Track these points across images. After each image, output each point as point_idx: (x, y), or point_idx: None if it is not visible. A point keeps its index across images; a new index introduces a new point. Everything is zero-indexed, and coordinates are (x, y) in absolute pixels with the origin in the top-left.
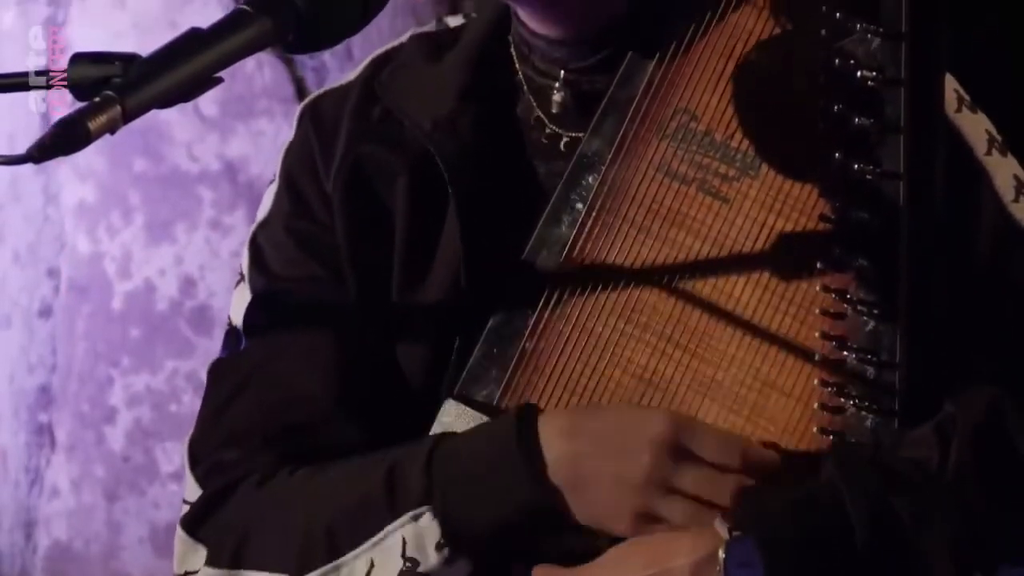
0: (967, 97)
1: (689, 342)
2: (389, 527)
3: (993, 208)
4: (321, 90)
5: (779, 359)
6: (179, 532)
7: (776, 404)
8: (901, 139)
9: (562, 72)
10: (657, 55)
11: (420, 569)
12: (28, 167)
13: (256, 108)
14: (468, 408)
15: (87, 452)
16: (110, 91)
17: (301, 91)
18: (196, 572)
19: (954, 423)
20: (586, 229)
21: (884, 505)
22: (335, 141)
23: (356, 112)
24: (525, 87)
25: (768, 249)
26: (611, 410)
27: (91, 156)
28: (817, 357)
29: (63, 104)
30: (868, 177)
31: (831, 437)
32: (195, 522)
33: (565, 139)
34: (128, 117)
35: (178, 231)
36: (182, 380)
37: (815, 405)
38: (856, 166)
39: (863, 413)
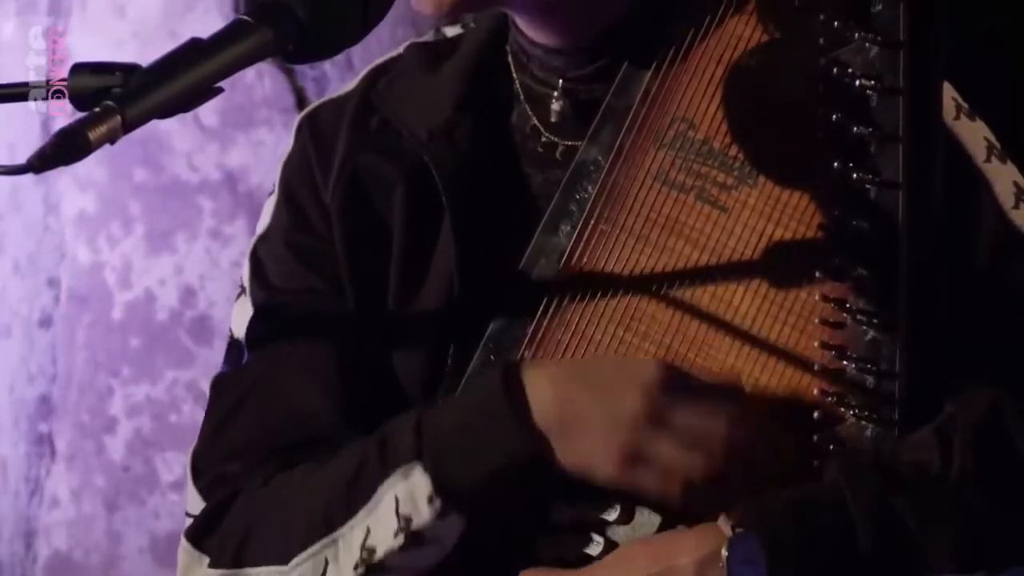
0: (965, 105)
1: (688, 351)
2: (381, 487)
3: (993, 215)
4: (319, 101)
5: (778, 368)
6: (183, 543)
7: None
8: (900, 148)
9: (560, 81)
10: (655, 63)
11: (414, 526)
12: (28, 177)
13: (256, 118)
14: None
15: (87, 462)
16: (110, 101)
17: (301, 101)
18: None
19: (954, 425)
20: (584, 238)
21: (886, 505)
22: (333, 152)
23: (354, 123)
24: (522, 96)
25: (767, 258)
26: (600, 358)
27: (91, 166)
28: (816, 366)
29: (63, 113)
30: (867, 186)
31: (831, 447)
32: (199, 534)
33: (561, 147)
34: (128, 127)
35: (178, 241)
36: (182, 390)
37: (814, 415)
38: (855, 175)
39: (863, 423)
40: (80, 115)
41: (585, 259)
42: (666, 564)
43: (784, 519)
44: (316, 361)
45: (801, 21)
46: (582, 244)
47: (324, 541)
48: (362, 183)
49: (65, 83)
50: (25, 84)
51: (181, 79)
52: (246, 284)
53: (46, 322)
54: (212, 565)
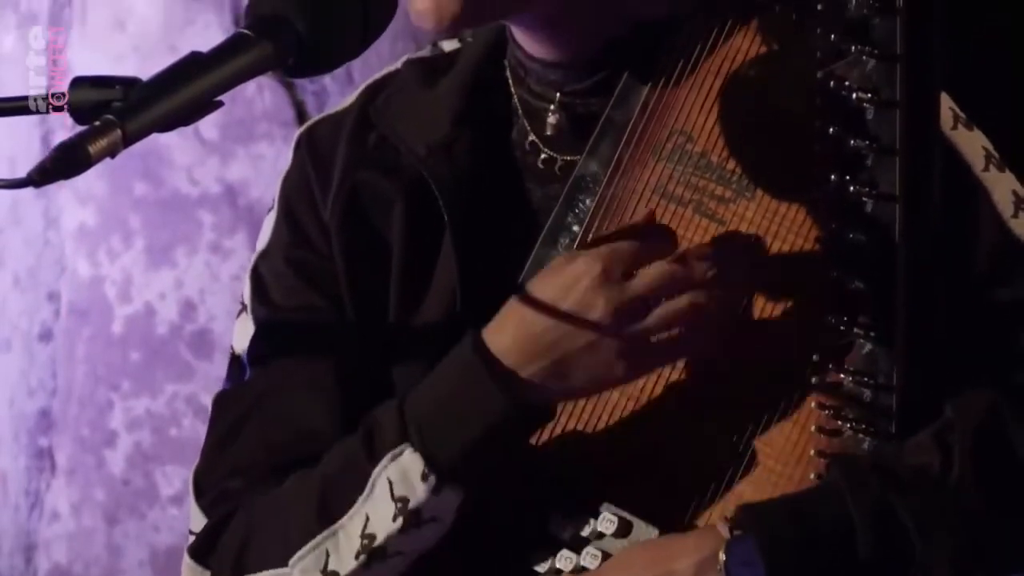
0: (963, 115)
1: (686, 363)
2: (373, 474)
3: (992, 224)
4: (316, 117)
5: (775, 380)
6: (187, 560)
7: (773, 426)
8: (897, 160)
9: (557, 95)
10: (653, 77)
11: (411, 505)
12: (28, 191)
13: (256, 132)
14: None
15: (87, 476)
16: (110, 115)
17: (301, 115)
18: None
19: (954, 429)
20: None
21: (886, 508)
22: (331, 169)
23: (352, 139)
24: (520, 110)
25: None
26: (536, 282)
27: (91, 180)
28: (814, 380)
29: (64, 127)
30: (864, 199)
31: (828, 460)
32: (202, 550)
33: (560, 162)
34: (128, 141)
35: (178, 255)
36: (182, 404)
37: (812, 428)
38: (852, 188)
39: (860, 436)
40: (80, 129)
41: None
42: (665, 567)
43: (783, 521)
44: (318, 378)
45: (799, 35)
46: None
47: (324, 534)
48: (361, 199)
49: (65, 97)
50: (25, 98)
51: (181, 93)
52: (247, 301)
53: (46, 336)
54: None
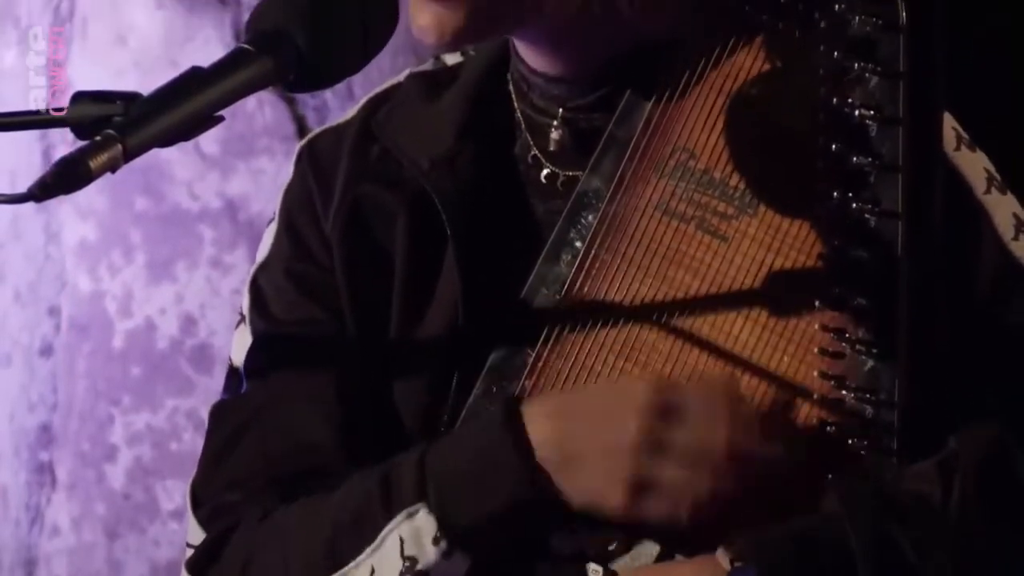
0: (966, 136)
1: (688, 381)
2: (385, 529)
3: (993, 246)
4: (318, 129)
5: (778, 398)
6: (184, 575)
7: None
8: (899, 178)
9: (560, 110)
10: (656, 93)
11: (419, 566)
12: (29, 205)
13: (257, 147)
14: None
15: (88, 490)
16: (111, 130)
17: (302, 130)
18: None
19: (956, 458)
20: (585, 267)
21: (887, 537)
22: (333, 181)
23: (354, 152)
24: (523, 125)
25: (767, 288)
26: (594, 387)
27: (92, 195)
28: (816, 396)
29: (64, 142)
30: (866, 216)
31: (830, 476)
32: (200, 564)
33: (562, 177)
34: (129, 156)
35: (179, 270)
36: (183, 418)
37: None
38: (854, 205)
39: (862, 452)
40: (81, 144)
41: (586, 289)
42: None
43: (783, 551)
44: (316, 391)
45: (802, 52)
46: (583, 274)
47: None
48: (363, 212)
49: (66, 112)
50: (26, 113)
51: (182, 108)
52: (246, 313)
53: (47, 351)
54: None
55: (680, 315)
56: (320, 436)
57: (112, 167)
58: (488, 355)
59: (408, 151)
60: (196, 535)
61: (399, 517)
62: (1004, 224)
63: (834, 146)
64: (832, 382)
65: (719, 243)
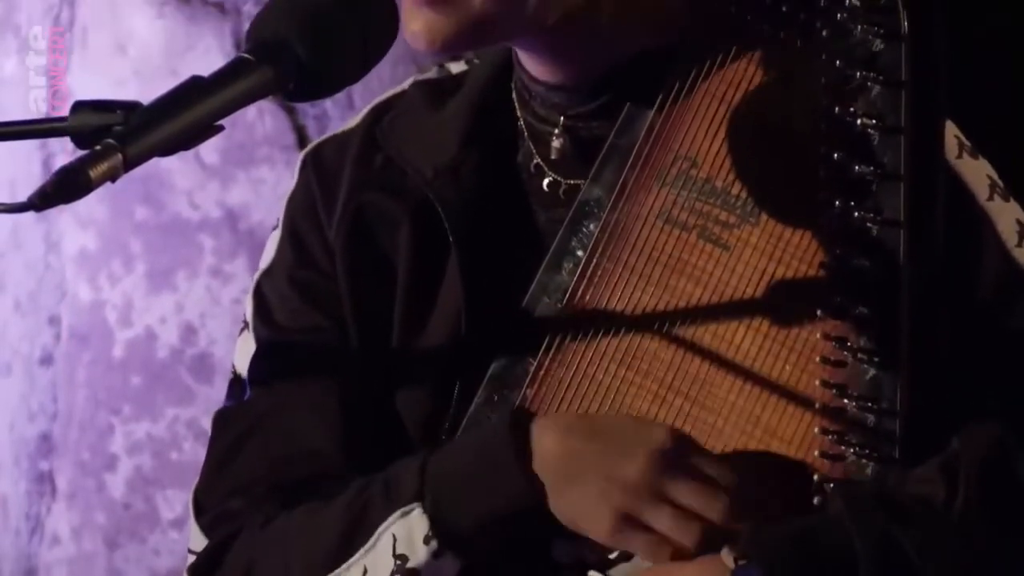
0: (968, 143)
1: (690, 389)
2: (380, 527)
3: (996, 253)
4: (322, 137)
5: (779, 407)
6: None
7: (777, 452)
8: (901, 187)
9: (561, 118)
10: (658, 102)
11: (409, 564)
12: (29, 215)
13: (257, 156)
14: None
15: (88, 500)
16: (111, 139)
17: (302, 139)
18: None
19: (959, 460)
20: (587, 276)
21: (890, 538)
22: (337, 189)
23: (358, 160)
24: (526, 134)
25: (768, 296)
26: (615, 416)
27: (92, 204)
28: (817, 405)
29: (64, 151)
30: (868, 225)
31: (831, 485)
32: (202, 571)
33: (564, 186)
34: (129, 165)
35: (179, 279)
36: (183, 428)
37: (815, 453)
38: (856, 214)
39: (863, 461)
40: (81, 153)
41: (588, 297)
42: None
43: (787, 551)
44: (319, 398)
45: (804, 61)
46: (585, 282)
47: None
48: (366, 220)
49: (66, 121)
50: (26, 122)
51: (182, 117)
52: (249, 320)
53: (47, 360)
54: None
55: (682, 324)
56: (322, 443)
57: (112, 176)
58: (490, 363)
59: (412, 159)
60: (198, 542)
61: (394, 515)
62: (1007, 231)
63: (836, 155)
64: (834, 391)
65: (721, 252)
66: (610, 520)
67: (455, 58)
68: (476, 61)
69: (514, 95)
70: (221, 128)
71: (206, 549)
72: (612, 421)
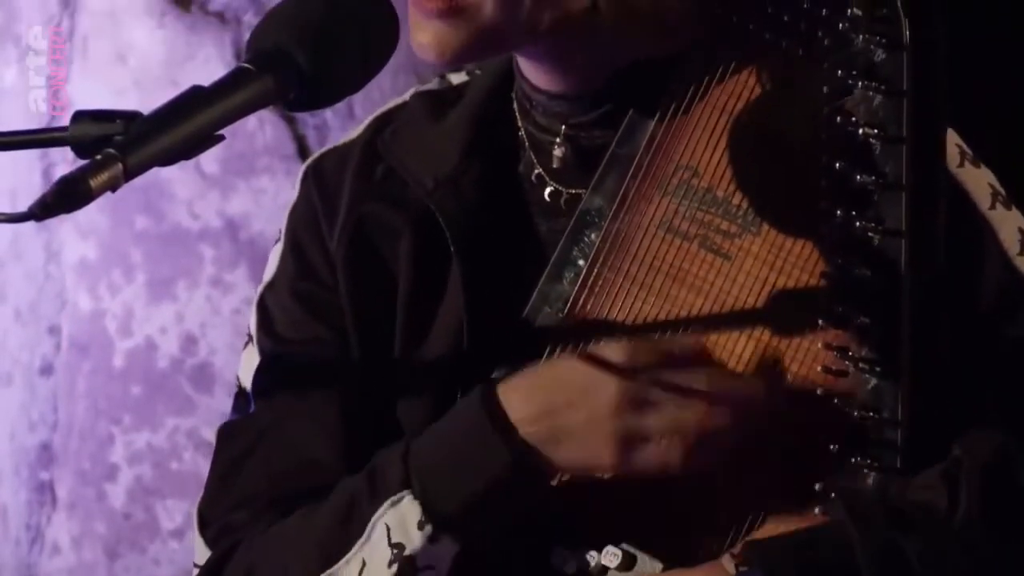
0: (969, 152)
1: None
2: (373, 518)
3: (998, 261)
4: (323, 149)
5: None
6: None
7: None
8: (903, 196)
9: (562, 127)
10: (659, 111)
11: (406, 552)
12: (30, 225)
13: (257, 166)
14: None
15: (88, 509)
16: (112, 149)
17: (303, 149)
18: None
19: (961, 467)
20: (588, 285)
21: (891, 545)
22: (338, 201)
23: (359, 171)
24: (527, 143)
25: (770, 306)
26: (563, 360)
27: (92, 214)
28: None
29: (65, 161)
30: (870, 234)
31: (832, 494)
32: None
33: (565, 195)
34: (129, 175)
35: (179, 289)
36: (183, 437)
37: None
38: (858, 223)
39: (864, 470)
40: (81, 163)
41: (589, 307)
42: None
43: (788, 558)
44: (322, 411)
45: (805, 70)
46: (586, 292)
47: None
48: (367, 232)
49: (66, 131)
50: (26, 132)
51: (182, 127)
52: (253, 333)
53: (47, 370)
54: None
55: (682, 333)
56: (324, 455)
57: (112, 186)
58: (491, 373)
59: (413, 170)
60: (203, 555)
61: (384, 506)
62: (1010, 239)
63: (837, 164)
64: (835, 400)
65: (722, 261)
66: (612, 449)
67: (456, 69)
68: (477, 72)
69: (515, 105)
70: (221, 138)
71: (208, 561)
72: (564, 366)
